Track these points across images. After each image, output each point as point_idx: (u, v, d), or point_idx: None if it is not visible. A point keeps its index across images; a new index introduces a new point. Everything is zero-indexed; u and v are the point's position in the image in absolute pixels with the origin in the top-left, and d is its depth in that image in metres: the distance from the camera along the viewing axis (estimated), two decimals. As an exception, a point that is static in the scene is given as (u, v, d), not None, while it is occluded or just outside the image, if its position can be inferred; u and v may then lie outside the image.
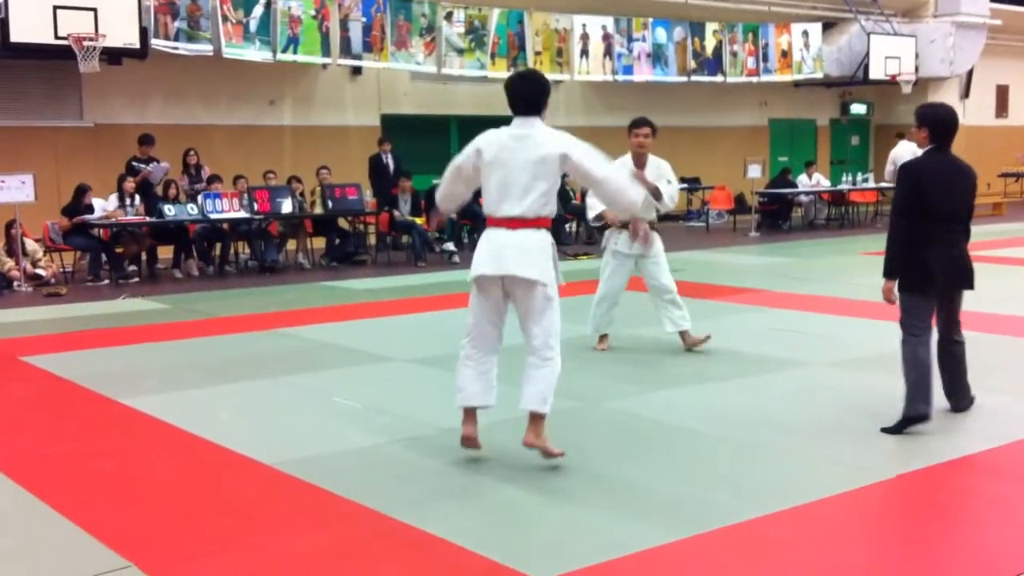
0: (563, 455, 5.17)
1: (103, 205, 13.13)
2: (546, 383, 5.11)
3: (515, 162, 5.07)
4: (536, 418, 5.14)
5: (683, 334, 8.07)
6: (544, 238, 5.13)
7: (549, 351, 5.11)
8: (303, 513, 4.69)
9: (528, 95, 5.15)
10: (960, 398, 6.16)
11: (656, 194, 7.73)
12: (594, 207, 7.71)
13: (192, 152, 14.46)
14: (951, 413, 6.10)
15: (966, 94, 24.79)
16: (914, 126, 5.98)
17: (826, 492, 4.78)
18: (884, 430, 5.77)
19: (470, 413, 5.32)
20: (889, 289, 5.90)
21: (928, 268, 5.72)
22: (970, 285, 5.93)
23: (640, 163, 7.80)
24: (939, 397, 5.97)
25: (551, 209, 5.17)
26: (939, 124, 5.84)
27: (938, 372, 5.96)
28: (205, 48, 14.43)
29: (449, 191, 5.53)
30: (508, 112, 5.24)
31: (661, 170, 7.90)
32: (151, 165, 13.74)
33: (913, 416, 5.74)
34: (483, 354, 5.28)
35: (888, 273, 5.85)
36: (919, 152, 5.98)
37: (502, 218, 5.13)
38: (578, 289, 8.86)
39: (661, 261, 8.07)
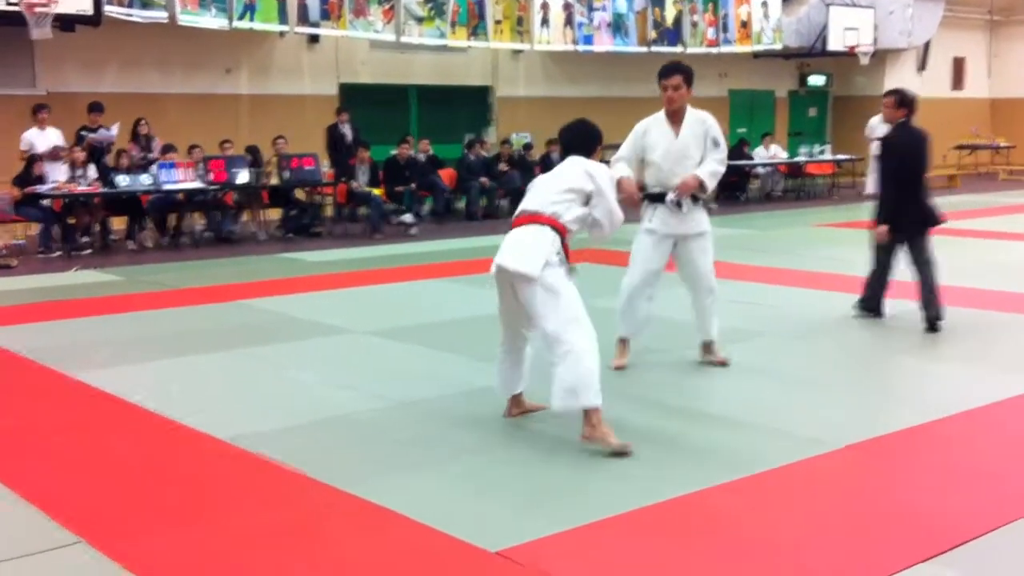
0: (628, 448, 4.91)
1: (28, 140, 12.94)
2: (567, 378, 4.90)
3: (548, 178, 5.32)
4: (584, 413, 4.98)
5: (708, 344, 6.79)
6: (543, 231, 5.04)
7: (561, 346, 4.91)
8: (257, 487, 4.67)
9: (574, 141, 5.37)
10: (928, 309, 7.70)
11: (701, 186, 6.41)
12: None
13: (143, 122, 14.25)
14: (899, 384, 6.16)
15: (923, 66, 24.96)
16: (891, 104, 7.75)
17: (776, 463, 4.82)
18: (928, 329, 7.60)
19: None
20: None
21: (899, 216, 7.68)
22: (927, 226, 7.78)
23: (676, 119, 6.45)
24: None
25: (567, 216, 5.11)
26: (914, 103, 7.79)
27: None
28: (160, 15, 14.20)
29: None
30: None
31: (706, 125, 6.45)
32: (99, 131, 13.53)
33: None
34: (504, 352, 5.42)
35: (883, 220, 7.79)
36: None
37: (516, 217, 5.25)
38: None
39: (708, 246, 6.61)
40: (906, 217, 7.65)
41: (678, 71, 6.36)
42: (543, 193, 5.19)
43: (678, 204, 6.41)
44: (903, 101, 7.75)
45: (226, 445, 5.23)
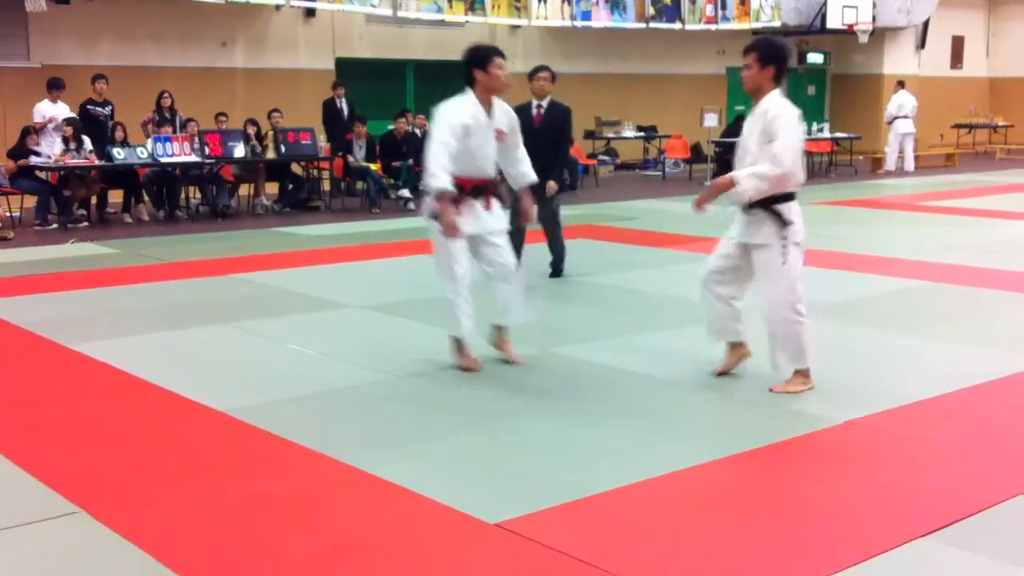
0: (476, 366, 5.93)
1: (42, 111, 12.95)
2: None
3: None
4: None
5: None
6: None
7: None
8: (256, 459, 4.67)
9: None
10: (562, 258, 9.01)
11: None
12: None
13: (166, 94, 14.20)
14: (893, 362, 6.17)
15: (922, 44, 24.87)
16: (548, 79, 8.69)
17: (779, 437, 4.83)
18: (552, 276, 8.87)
19: None
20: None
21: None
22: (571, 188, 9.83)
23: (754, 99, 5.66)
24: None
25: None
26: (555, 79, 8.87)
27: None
28: (155, -13, 14.12)
29: None
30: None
31: (768, 117, 5.62)
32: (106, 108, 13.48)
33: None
34: None
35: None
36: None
37: None
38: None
39: (774, 262, 5.44)
40: (558, 177, 8.81)
41: (753, 48, 5.80)
42: None
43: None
44: (555, 77, 8.87)
45: (224, 416, 5.23)
